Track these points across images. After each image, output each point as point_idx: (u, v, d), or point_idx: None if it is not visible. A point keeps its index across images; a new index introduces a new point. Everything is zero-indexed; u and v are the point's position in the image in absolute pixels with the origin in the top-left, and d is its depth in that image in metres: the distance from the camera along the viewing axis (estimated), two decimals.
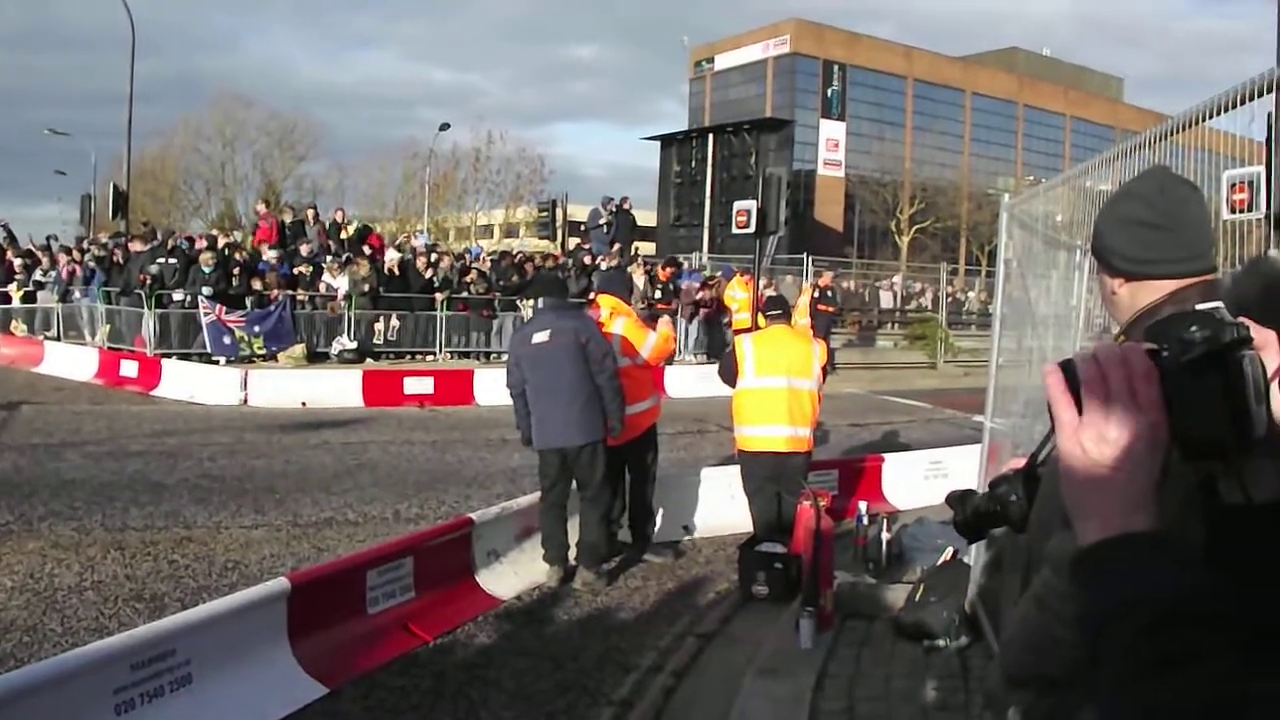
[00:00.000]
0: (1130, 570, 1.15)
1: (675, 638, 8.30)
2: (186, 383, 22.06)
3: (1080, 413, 1.20)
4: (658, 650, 7.99)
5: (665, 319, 11.85)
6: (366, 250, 28.47)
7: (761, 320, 11.02)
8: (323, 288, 26.34)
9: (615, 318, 10.42)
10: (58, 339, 27.19)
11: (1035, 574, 2.23)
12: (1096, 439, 1.19)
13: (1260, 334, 1.26)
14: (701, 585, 9.86)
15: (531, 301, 26.72)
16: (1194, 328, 1.19)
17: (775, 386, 9.73)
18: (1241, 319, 1.24)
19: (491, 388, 21.19)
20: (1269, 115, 4.70)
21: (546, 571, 9.50)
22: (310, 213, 30.44)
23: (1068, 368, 1.21)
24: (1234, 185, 5.32)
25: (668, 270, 30.89)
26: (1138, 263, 2.44)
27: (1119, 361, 1.18)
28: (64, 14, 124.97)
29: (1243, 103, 4.46)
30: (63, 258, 29.70)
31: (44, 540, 10.27)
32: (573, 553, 9.69)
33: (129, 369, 23.54)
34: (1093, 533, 1.20)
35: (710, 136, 73.01)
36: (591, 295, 12.88)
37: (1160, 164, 3.59)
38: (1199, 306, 1.26)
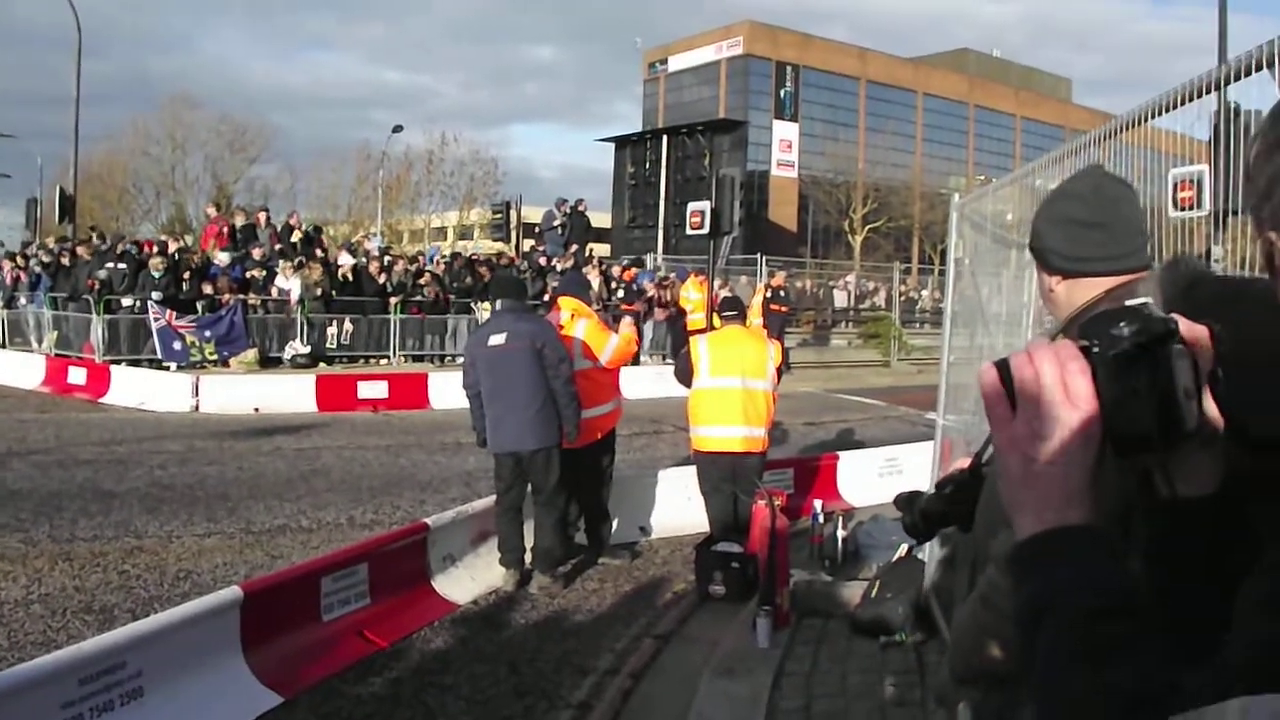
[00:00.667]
0: (1064, 564, 1.18)
1: (632, 639, 8.30)
2: (136, 389, 21.83)
3: (1015, 410, 1.21)
4: (615, 652, 7.99)
5: (627, 320, 11.84)
6: (319, 253, 28.32)
7: (716, 321, 11.03)
8: (275, 291, 26.18)
9: (576, 320, 10.40)
10: (3, 346, 26.92)
11: (981, 573, 2.24)
12: (1030, 435, 1.20)
13: (1192, 329, 1.27)
14: (658, 586, 9.86)
15: (486, 304, 26.72)
16: (1123, 323, 1.21)
17: (730, 387, 9.74)
18: (1173, 314, 1.25)
19: (446, 391, 21.16)
20: (1213, 115, 4.74)
21: (503, 575, 9.47)
22: (262, 216, 30.25)
23: (1002, 366, 1.22)
24: (1179, 183, 5.37)
25: (631, 271, 30.91)
26: (1073, 260, 2.49)
27: (1051, 358, 1.19)
28: (8, 12, 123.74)
29: (1187, 102, 4.50)
30: (7, 264, 29.38)
31: None
32: (529, 556, 9.66)
33: (77, 376, 23.28)
34: (1028, 527, 1.22)
35: (664, 138, 73.09)
36: (548, 297, 12.81)
37: (1096, 163, 3.63)
38: (1129, 302, 1.27)
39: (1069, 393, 1.19)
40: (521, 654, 7.92)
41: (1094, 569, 1.17)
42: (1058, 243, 2.52)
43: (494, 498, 9.77)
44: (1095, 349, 1.20)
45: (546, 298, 25.53)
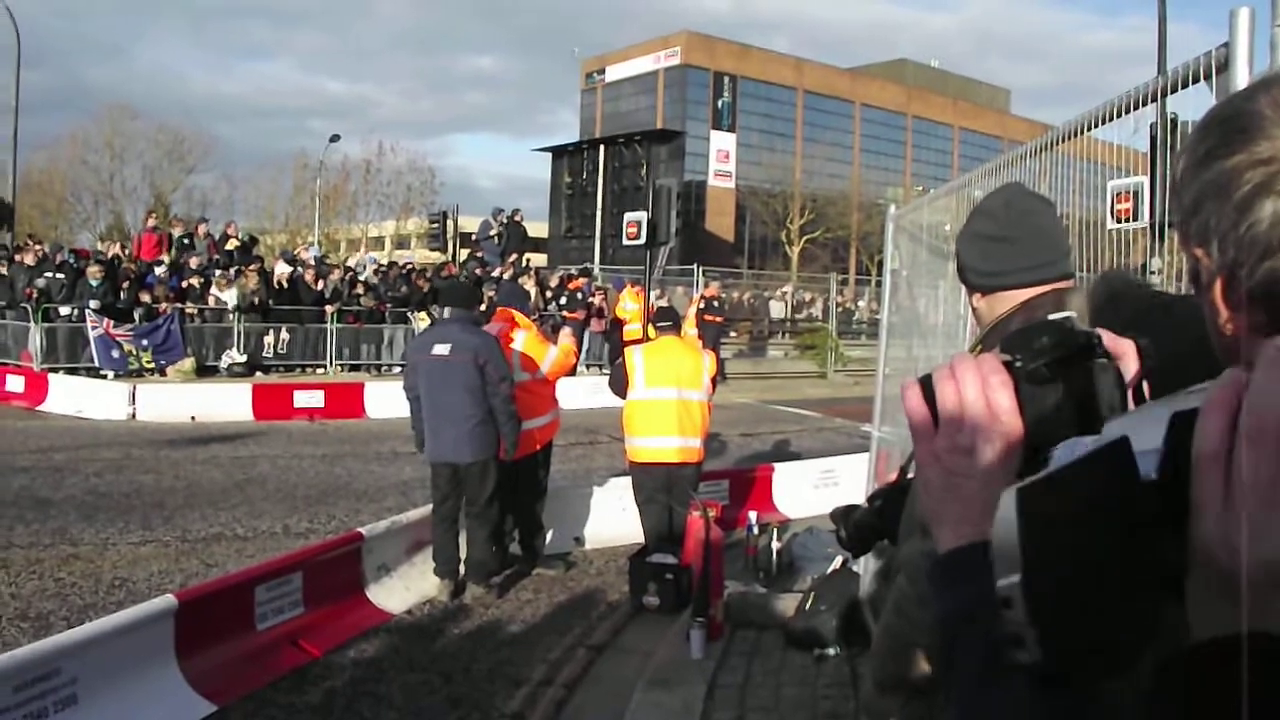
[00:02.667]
0: (980, 579, 1.19)
1: (566, 650, 8.34)
2: (74, 397, 21.66)
3: (937, 424, 1.24)
4: (548, 663, 8.02)
5: (566, 330, 11.86)
6: (254, 264, 28.17)
7: (651, 331, 11.07)
8: (212, 300, 26.02)
9: (515, 331, 10.41)
10: None
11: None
12: (950, 448, 1.22)
13: (1117, 343, 1.30)
14: (592, 597, 9.90)
15: (423, 314, 26.67)
16: (1045, 337, 1.23)
17: (665, 398, 9.79)
18: (1097, 329, 1.29)
19: (382, 401, 21.11)
20: (1151, 125, 4.82)
21: (437, 585, 9.48)
22: (201, 228, 30.06)
23: (925, 381, 1.25)
24: (1118, 195, 5.44)
25: (579, 280, 30.90)
26: (987, 275, 2.56)
27: (973, 372, 1.21)
28: None
29: (1126, 112, 4.53)
30: None
31: None
32: (464, 567, 9.68)
33: (14, 384, 23.04)
34: (947, 541, 1.23)
35: (601, 148, 73.11)
36: (483, 308, 12.82)
37: (1014, 181, 3.68)
38: (1052, 316, 1.30)
39: (990, 407, 1.19)
40: (455, 664, 7.94)
41: None
42: (973, 259, 2.59)
43: (429, 508, 9.79)
44: (1017, 363, 1.23)
45: (483, 308, 25.57)
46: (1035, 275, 2.51)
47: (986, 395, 1.20)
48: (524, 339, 10.39)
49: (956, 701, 1.19)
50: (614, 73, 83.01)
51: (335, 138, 58.00)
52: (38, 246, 28.24)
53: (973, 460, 1.21)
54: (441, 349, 9.48)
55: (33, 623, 8.36)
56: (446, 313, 10.22)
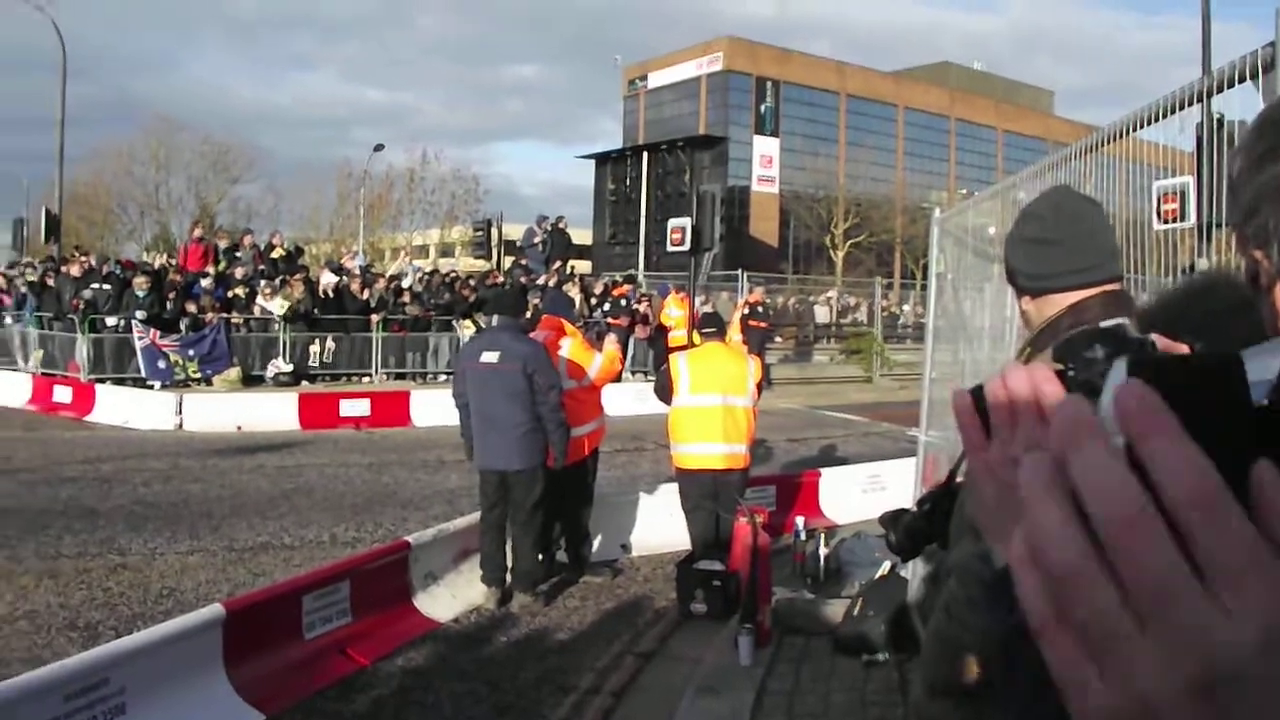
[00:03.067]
0: None
1: (614, 657, 8.31)
2: (121, 408, 21.83)
3: (989, 435, 1.21)
4: (596, 670, 8.00)
5: (612, 337, 11.86)
6: (299, 274, 28.33)
7: (696, 337, 11.03)
8: (257, 310, 26.17)
9: (562, 339, 10.40)
10: None
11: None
12: (1005, 461, 1.20)
13: (1173, 349, 1.27)
14: (640, 604, 9.87)
15: (468, 321, 26.71)
16: (1097, 345, 1.21)
17: (710, 404, 9.76)
18: (1151, 335, 1.26)
19: (428, 409, 21.18)
20: (1197, 125, 4.76)
21: (484, 593, 9.47)
22: (245, 237, 30.27)
23: (977, 392, 1.22)
24: (1164, 195, 5.38)
25: (625, 287, 30.89)
26: (1035, 278, 2.56)
27: (1026, 382, 1.19)
28: None
29: (1171, 113, 4.49)
30: None
31: None
32: (511, 575, 9.67)
33: (62, 395, 23.26)
34: (1004, 554, 1.21)
35: (644, 154, 72.97)
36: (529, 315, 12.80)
37: (1063, 185, 3.65)
38: (1103, 324, 1.28)
39: (1044, 418, 1.19)
40: (502, 672, 7.93)
41: None
42: (1021, 262, 2.59)
43: (476, 516, 9.79)
44: (1070, 372, 1.21)
45: (529, 315, 25.60)
46: (1084, 277, 2.49)
47: (1040, 406, 1.18)
48: (570, 346, 10.38)
49: (1013, 715, 1.17)
50: (656, 79, 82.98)
51: (379, 147, 58.20)
52: (84, 258, 28.60)
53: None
54: (490, 356, 9.47)
55: (81, 632, 8.42)
56: (494, 320, 10.19)
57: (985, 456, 1.21)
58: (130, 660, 6.16)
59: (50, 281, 27.02)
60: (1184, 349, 1.30)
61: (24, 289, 27.66)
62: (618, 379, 11.58)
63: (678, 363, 10.05)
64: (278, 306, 25.89)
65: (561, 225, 34.52)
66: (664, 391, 10.05)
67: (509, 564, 9.65)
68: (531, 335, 10.18)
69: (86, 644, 7.79)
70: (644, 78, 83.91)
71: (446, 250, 71.07)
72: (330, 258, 43.00)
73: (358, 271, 29.80)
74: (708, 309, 21.34)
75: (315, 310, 26.42)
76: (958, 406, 1.23)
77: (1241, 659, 0.59)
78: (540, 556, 9.87)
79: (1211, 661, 0.59)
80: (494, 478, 9.55)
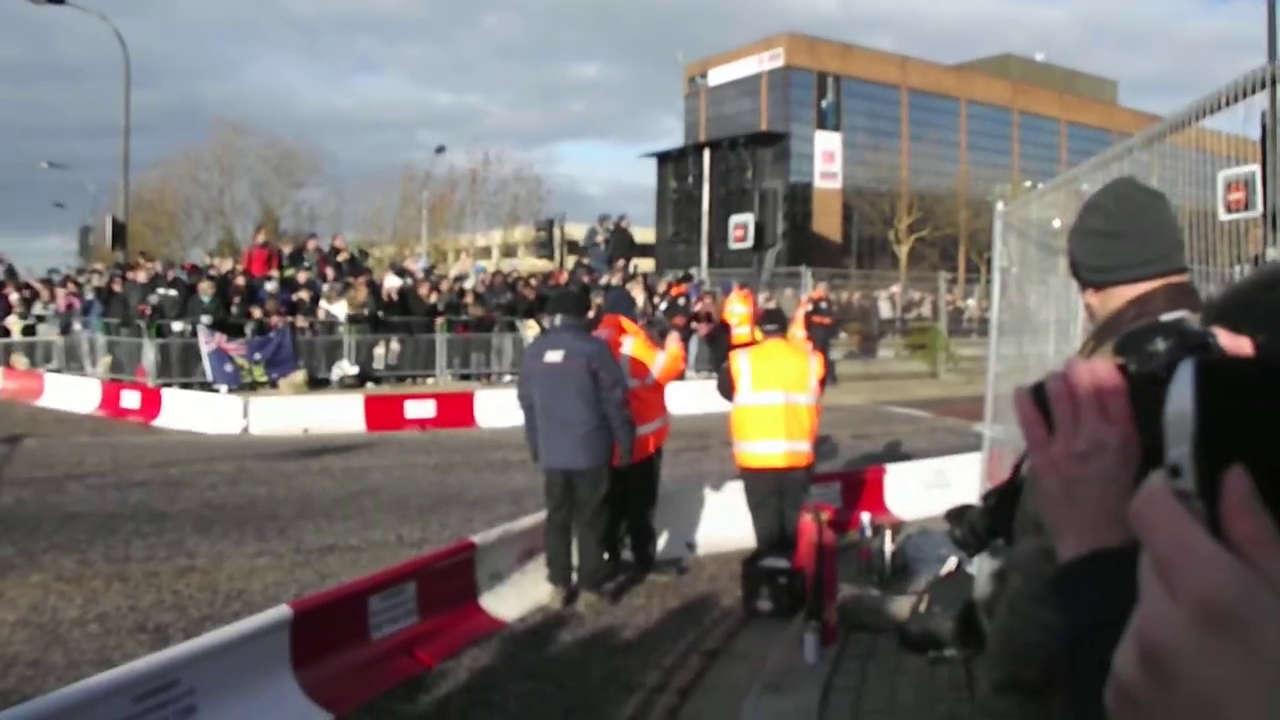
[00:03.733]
0: (1104, 587, 1.15)
1: (679, 656, 8.27)
2: (187, 412, 22.09)
3: (1051, 430, 1.20)
4: (662, 669, 7.96)
5: (674, 335, 11.84)
6: (363, 277, 28.53)
7: (759, 334, 10.99)
8: (322, 313, 26.37)
9: (624, 338, 10.40)
10: (59, 371, 27.17)
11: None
12: (1066, 455, 1.18)
13: (1235, 342, 1.25)
14: (705, 602, 9.83)
15: (532, 321, 26.78)
16: (1158, 339, 1.19)
17: (772, 402, 9.72)
18: (1212, 328, 1.24)
19: (492, 409, 21.29)
20: (1262, 113, 4.68)
21: (550, 593, 9.47)
22: (309, 241, 30.53)
23: (1038, 388, 1.21)
24: (1230, 185, 5.31)
25: (682, 286, 30.86)
26: (1098, 271, 2.53)
27: (1086, 376, 1.17)
28: (60, 46, 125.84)
29: (1236, 100, 4.43)
30: (61, 290, 29.75)
31: (47, 573, 10.26)
32: (576, 574, 9.67)
33: (130, 400, 23.55)
34: (1068, 550, 1.19)
35: (706, 151, 72.76)
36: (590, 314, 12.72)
37: (1127, 176, 3.61)
38: (1164, 317, 1.26)
39: (1106, 412, 1.18)
40: (568, 671, 7.92)
41: (1130, 593, 1.15)
42: (1084, 255, 2.57)
43: (541, 515, 9.79)
44: (1131, 366, 1.19)
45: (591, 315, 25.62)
46: (1148, 269, 2.47)
47: (1101, 401, 1.16)
48: (632, 345, 10.37)
49: (1078, 712, 1.16)
50: (717, 76, 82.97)
51: (441, 149, 58.66)
52: (150, 264, 28.98)
53: (1089, 467, 1.17)
54: (554, 356, 9.47)
55: (151, 634, 8.49)
56: (558, 320, 10.18)
57: (1048, 452, 1.20)
58: (199, 661, 6.20)
59: (117, 287, 27.41)
60: (1246, 343, 1.28)
61: (91, 295, 28.05)
62: (681, 377, 11.54)
63: (739, 361, 10.01)
64: (342, 310, 26.08)
65: (624, 224, 34.51)
66: (725, 389, 10.02)
67: (574, 563, 9.65)
68: (594, 334, 10.18)
69: (156, 646, 7.84)
70: (705, 75, 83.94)
71: (509, 251, 71.23)
72: (394, 260, 43.22)
73: (421, 273, 29.97)
74: (770, 305, 21.29)
75: (380, 313, 26.59)
76: (1019, 402, 1.22)
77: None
78: (606, 555, 9.87)
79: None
80: (559, 477, 9.54)
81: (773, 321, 10.51)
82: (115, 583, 9.94)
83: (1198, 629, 0.69)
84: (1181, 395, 0.83)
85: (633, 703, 7.30)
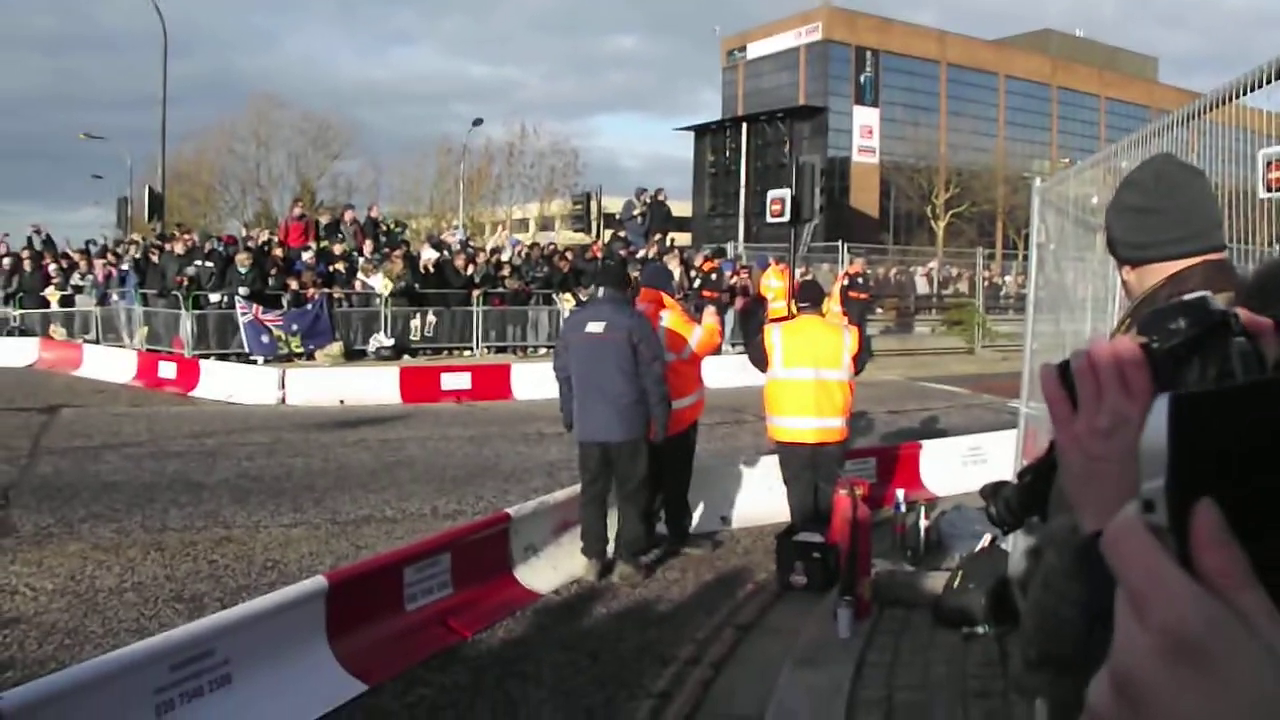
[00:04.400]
0: None
1: (713, 629, 8.28)
2: (224, 383, 22.21)
3: (1075, 408, 1.21)
4: (695, 642, 7.97)
5: (710, 310, 11.83)
6: (399, 249, 28.60)
7: (795, 309, 10.96)
8: (358, 285, 26.46)
9: (660, 311, 10.38)
10: (96, 342, 27.42)
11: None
12: (1090, 433, 1.19)
13: (1256, 322, 1.25)
14: (739, 576, 9.84)
15: (568, 294, 26.79)
16: (1179, 318, 1.19)
17: (803, 378, 9.70)
18: (1236, 308, 1.23)
19: (529, 382, 21.30)
20: None
21: (584, 565, 9.49)
22: (346, 212, 30.61)
23: (1063, 366, 1.22)
24: (1270, 163, 5.26)
25: (714, 261, 30.79)
26: (1135, 247, 2.52)
27: (1109, 354, 1.17)
28: (96, 16, 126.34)
29: (1277, 78, 4.38)
30: (99, 261, 29.98)
31: (84, 542, 10.37)
32: (611, 547, 9.68)
33: (167, 370, 23.72)
34: (1090, 524, 1.20)
35: (744, 125, 72.55)
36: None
37: (1165, 153, 3.59)
38: (1187, 296, 1.26)
39: (1128, 389, 1.18)
40: (603, 643, 7.94)
41: None
42: (1121, 231, 2.55)
43: (576, 488, 9.80)
44: (1153, 344, 1.19)
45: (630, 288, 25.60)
46: (1185, 247, 2.46)
47: (1125, 378, 1.17)
48: (669, 318, 10.35)
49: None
50: (755, 50, 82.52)
51: (478, 121, 58.60)
52: (187, 235, 29.16)
53: (1112, 444, 1.17)
54: (595, 327, 9.47)
55: (187, 604, 8.56)
56: (599, 292, 10.12)
57: (1071, 429, 1.21)
58: (235, 631, 6.26)
59: (154, 259, 27.56)
60: (1268, 323, 1.28)
61: (128, 266, 28.24)
62: (717, 351, 11.52)
63: (771, 335, 10.00)
64: (379, 282, 26.16)
65: (661, 197, 34.44)
66: (758, 361, 10.02)
67: (609, 536, 9.66)
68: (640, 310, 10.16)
69: (192, 615, 7.94)
70: (743, 48, 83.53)
71: (546, 224, 71.30)
72: (430, 232, 43.31)
73: (458, 246, 30.01)
74: (807, 279, 21.26)
75: (416, 285, 26.66)
76: (1045, 379, 1.22)
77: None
78: (644, 528, 9.88)
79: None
80: (595, 450, 9.52)
81: (807, 297, 10.49)
82: (152, 552, 10.03)
83: (1167, 660, 0.69)
84: (1157, 429, 0.83)
85: (666, 675, 7.32)
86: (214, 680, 6.01)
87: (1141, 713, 0.71)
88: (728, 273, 30.29)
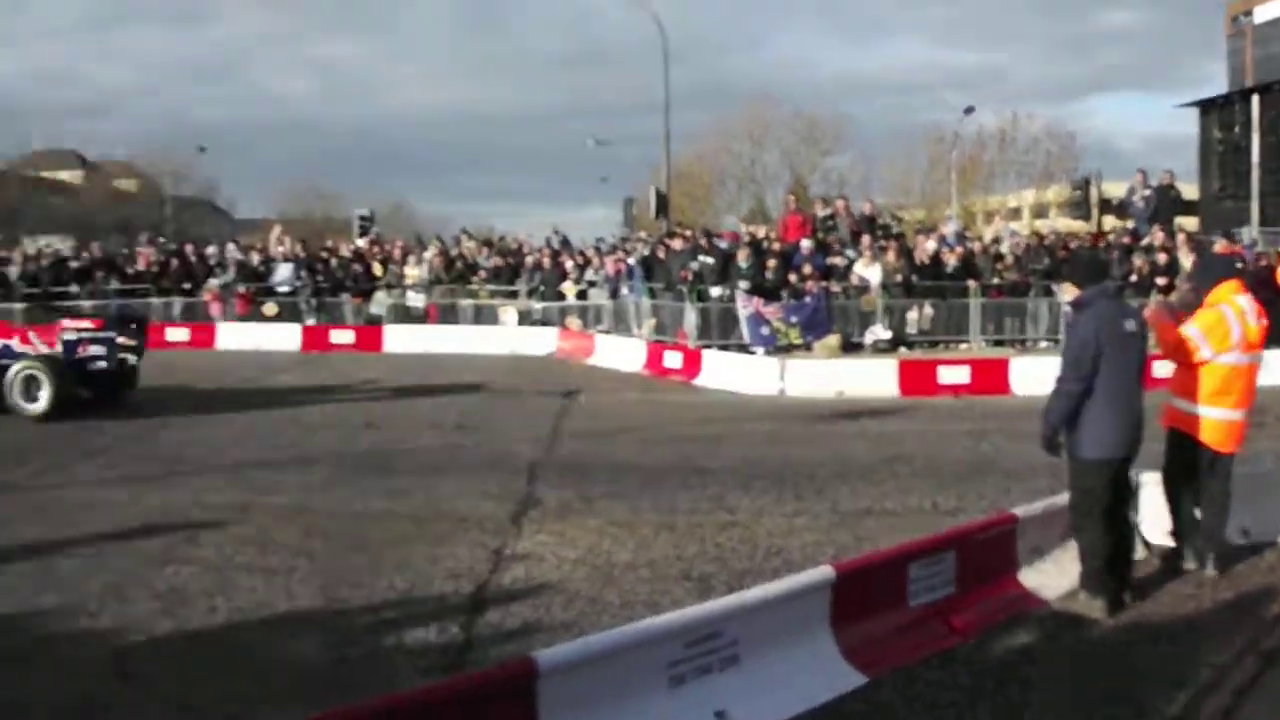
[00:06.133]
0: None
1: (1233, 654, 7.65)
2: (726, 373, 23.00)
3: None
4: (1212, 666, 7.41)
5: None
6: (894, 241, 28.58)
7: None
8: (855, 278, 26.63)
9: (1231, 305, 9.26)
10: (608, 333, 29.12)
11: None
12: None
13: None
14: (1263, 596, 9.05)
15: (1069, 285, 25.92)
16: None
17: None
18: None
19: (1029, 377, 20.81)
20: None
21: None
22: (840, 204, 30.86)
23: None
24: None
25: (1233, 245, 28.91)
26: None
27: None
28: (602, 34, 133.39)
29: None
30: (609, 258, 31.63)
31: (601, 518, 11.10)
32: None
33: (672, 360, 24.77)
34: None
35: (1254, 97, 67.56)
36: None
37: None
38: None
39: None
40: (1110, 658, 7.62)
41: None
42: None
43: None
44: None
45: (1134, 279, 24.58)
46: None
47: None
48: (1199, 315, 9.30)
49: None
50: (1264, 12, 76.47)
51: (970, 109, 57.84)
52: (687, 233, 30.60)
53: None
54: (1130, 325, 8.41)
55: (695, 583, 8.95)
56: (1106, 286, 9.11)
57: None
58: (743, 614, 6.46)
59: (660, 255, 28.85)
60: None
61: (634, 262, 29.69)
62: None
63: None
64: (875, 274, 26.26)
65: (1168, 183, 32.42)
66: None
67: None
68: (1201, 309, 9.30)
69: (700, 594, 8.32)
70: (1249, 12, 77.80)
71: (1039, 211, 69.58)
72: (923, 223, 43.05)
73: (954, 237, 29.68)
74: None
75: (913, 277, 26.59)
76: None
77: None
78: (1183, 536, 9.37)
79: None
80: (1108, 469, 8.53)
81: None
82: (663, 532, 10.55)
83: None
84: None
85: (1180, 700, 6.87)
86: (723, 660, 6.24)
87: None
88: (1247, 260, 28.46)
